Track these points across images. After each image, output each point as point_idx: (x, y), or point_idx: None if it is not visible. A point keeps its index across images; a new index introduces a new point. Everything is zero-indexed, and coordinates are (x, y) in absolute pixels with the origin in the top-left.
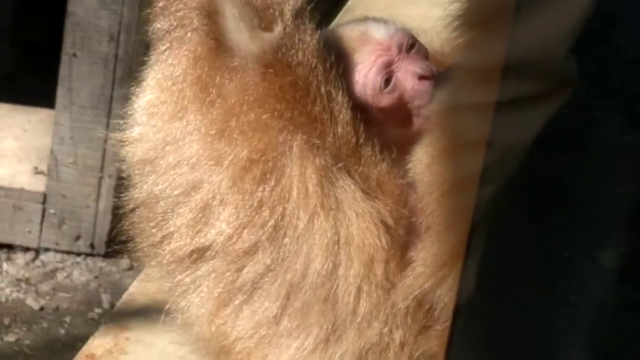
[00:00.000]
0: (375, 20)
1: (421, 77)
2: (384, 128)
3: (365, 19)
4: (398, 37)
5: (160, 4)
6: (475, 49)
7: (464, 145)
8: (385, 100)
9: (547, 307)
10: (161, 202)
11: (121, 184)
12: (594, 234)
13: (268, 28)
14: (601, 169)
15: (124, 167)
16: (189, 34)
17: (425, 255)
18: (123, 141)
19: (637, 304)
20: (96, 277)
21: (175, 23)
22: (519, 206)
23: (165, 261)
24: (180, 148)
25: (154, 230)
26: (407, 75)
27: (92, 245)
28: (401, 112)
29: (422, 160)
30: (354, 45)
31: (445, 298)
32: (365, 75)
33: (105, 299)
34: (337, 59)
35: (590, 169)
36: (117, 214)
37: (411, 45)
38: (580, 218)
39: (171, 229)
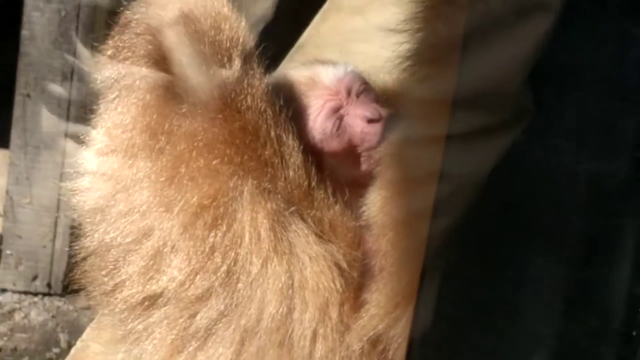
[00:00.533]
0: (325, 63)
1: (370, 121)
2: (336, 170)
3: (315, 62)
4: (347, 81)
5: (109, 52)
6: (426, 87)
7: (417, 183)
8: (335, 144)
9: (498, 350)
10: (112, 250)
11: (77, 224)
12: (548, 276)
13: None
14: (559, 204)
15: (75, 216)
16: (137, 82)
17: (379, 297)
18: (74, 190)
19: (587, 346)
20: (53, 317)
21: (123, 71)
22: (473, 244)
23: (117, 309)
24: (131, 196)
25: (105, 279)
26: (356, 119)
27: (49, 285)
28: (351, 155)
29: (375, 202)
30: (304, 90)
31: (398, 339)
32: (315, 120)
33: (63, 338)
34: (287, 103)
35: (547, 201)
36: (73, 253)
37: (360, 88)
38: (534, 260)
39: (123, 277)
